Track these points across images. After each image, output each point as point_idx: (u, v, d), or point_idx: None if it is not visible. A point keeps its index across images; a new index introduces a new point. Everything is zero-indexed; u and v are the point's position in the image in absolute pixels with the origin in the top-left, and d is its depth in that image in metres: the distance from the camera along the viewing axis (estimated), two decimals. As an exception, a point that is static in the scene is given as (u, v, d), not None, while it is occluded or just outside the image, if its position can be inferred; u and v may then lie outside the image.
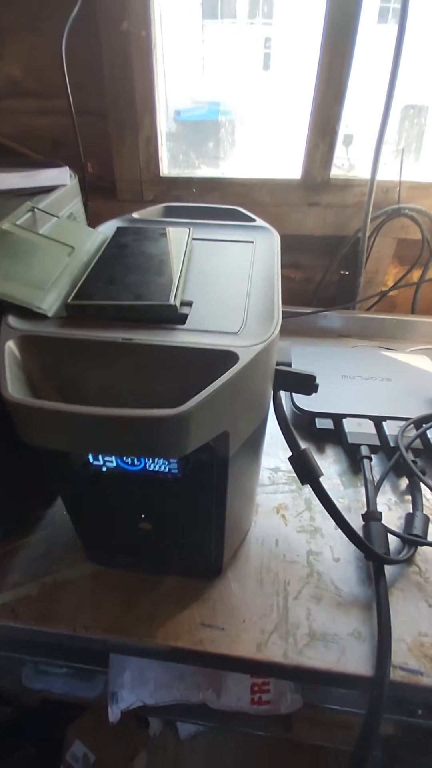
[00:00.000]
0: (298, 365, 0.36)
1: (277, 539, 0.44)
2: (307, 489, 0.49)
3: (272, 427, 0.41)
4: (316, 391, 0.37)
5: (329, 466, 0.52)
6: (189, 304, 0.30)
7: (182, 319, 0.28)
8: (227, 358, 0.24)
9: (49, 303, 0.28)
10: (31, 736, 0.84)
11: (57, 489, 0.32)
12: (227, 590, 0.40)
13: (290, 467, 0.51)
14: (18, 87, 0.68)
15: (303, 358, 0.63)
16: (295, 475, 0.50)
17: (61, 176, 0.47)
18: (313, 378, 0.37)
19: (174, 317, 0.27)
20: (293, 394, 0.58)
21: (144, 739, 0.91)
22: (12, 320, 0.26)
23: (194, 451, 0.26)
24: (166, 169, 0.70)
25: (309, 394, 0.38)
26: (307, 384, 0.37)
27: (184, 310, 0.29)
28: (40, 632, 0.37)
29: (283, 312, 0.31)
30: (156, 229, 0.39)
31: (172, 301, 0.27)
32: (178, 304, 0.27)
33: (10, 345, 0.24)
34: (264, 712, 0.57)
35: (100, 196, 0.74)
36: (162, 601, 0.39)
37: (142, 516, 0.33)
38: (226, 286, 0.32)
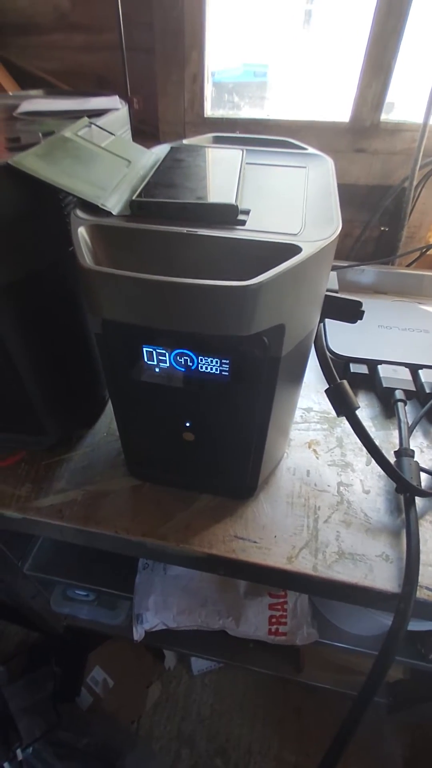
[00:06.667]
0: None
1: (308, 470, 0.45)
2: (339, 428, 0.50)
3: (306, 373, 0.41)
4: (361, 318, 0.38)
5: (361, 410, 0.53)
6: (246, 212, 0.30)
7: (242, 221, 0.28)
8: (290, 251, 0.24)
9: (113, 203, 0.29)
10: (56, 657, 0.91)
11: (110, 391, 0.33)
12: (260, 510, 0.41)
13: (322, 408, 0.53)
14: (65, 20, 0.67)
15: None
16: (327, 415, 0.52)
17: (112, 102, 0.47)
18: (359, 304, 0.37)
19: (235, 218, 0.28)
20: (328, 339, 0.58)
21: (159, 672, 0.97)
22: (80, 213, 0.27)
23: (248, 346, 0.27)
24: (210, 110, 0.68)
25: (354, 321, 0.38)
26: (353, 310, 0.37)
27: (243, 216, 0.29)
28: (85, 531, 0.40)
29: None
30: (209, 148, 0.39)
31: (234, 201, 0.27)
32: (239, 205, 0.28)
33: (82, 231, 0.25)
34: (280, 642, 0.60)
35: (142, 140, 0.73)
36: (197, 515, 0.41)
37: (187, 425, 0.34)
38: (282, 199, 0.32)
